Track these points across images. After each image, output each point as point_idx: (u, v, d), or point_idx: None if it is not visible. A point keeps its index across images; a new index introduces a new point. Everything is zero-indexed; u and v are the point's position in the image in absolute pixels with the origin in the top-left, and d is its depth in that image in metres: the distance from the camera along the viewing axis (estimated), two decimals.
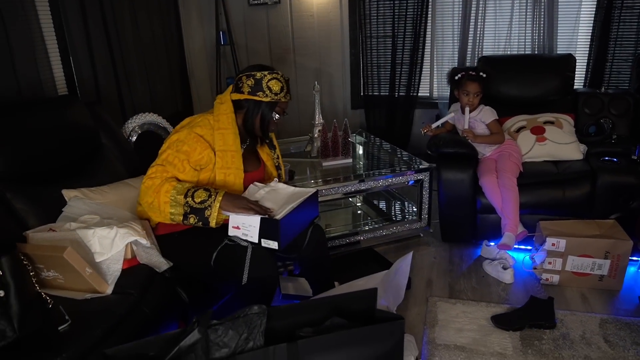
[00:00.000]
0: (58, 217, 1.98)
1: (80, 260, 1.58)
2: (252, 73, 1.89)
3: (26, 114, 2.14)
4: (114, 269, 1.70)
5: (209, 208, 1.73)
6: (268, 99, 1.90)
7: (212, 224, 1.74)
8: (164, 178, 1.78)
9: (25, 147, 2.05)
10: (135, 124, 2.89)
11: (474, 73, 2.77)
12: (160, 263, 1.83)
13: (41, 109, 2.24)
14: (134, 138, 2.87)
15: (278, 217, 1.71)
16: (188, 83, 4.30)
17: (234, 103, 1.95)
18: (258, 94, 1.89)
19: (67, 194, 2.06)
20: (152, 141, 2.95)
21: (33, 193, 2.01)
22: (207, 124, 1.89)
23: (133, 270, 1.78)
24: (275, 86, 1.89)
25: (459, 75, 2.80)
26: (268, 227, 1.69)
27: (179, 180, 1.81)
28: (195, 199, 1.73)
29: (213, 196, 1.74)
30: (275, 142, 2.25)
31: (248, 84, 1.90)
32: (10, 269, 1.40)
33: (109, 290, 1.66)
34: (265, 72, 1.88)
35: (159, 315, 1.77)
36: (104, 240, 1.69)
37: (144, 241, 1.79)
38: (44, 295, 1.57)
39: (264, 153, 2.16)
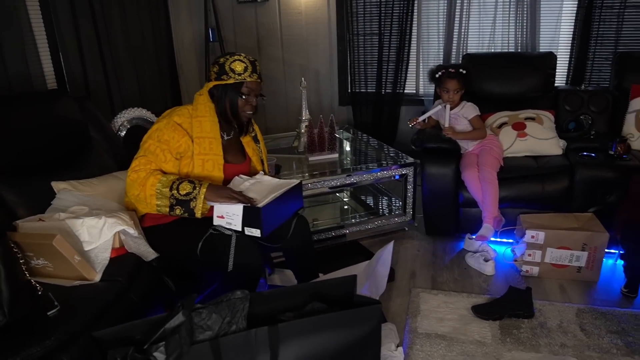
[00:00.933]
0: (47, 209, 2.01)
1: (69, 247, 1.62)
2: (217, 60, 1.93)
3: (16, 108, 2.17)
4: (102, 258, 1.74)
5: (194, 200, 1.78)
6: (232, 80, 1.91)
7: (198, 214, 1.79)
8: (149, 170, 1.82)
9: (15, 140, 2.08)
10: (124, 119, 2.92)
11: (453, 70, 2.83)
12: (148, 252, 1.87)
13: (31, 103, 2.27)
14: (123, 133, 2.90)
15: (260, 205, 1.76)
16: (177, 79, 4.32)
17: (209, 93, 1.98)
18: (222, 77, 1.91)
19: (56, 186, 2.09)
20: (140, 136, 2.97)
21: (23, 185, 2.04)
22: (186, 113, 1.94)
23: (121, 259, 1.82)
24: (238, 66, 1.90)
25: (439, 73, 2.86)
26: (251, 215, 1.75)
27: (163, 172, 1.86)
28: (180, 191, 1.78)
29: (197, 188, 1.78)
30: (259, 136, 2.27)
31: (214, 71, 1.93)
32: (1, 255, 1.43)
33: (97, 277, 1.70)
34: (228, 56, 1.91)
35: (146, 302, 1.81)
36: (93, 230, 1.73)
37: (132, 230, 1.83)
38: (33, 283, 1.61)
39: (250, 148, 2.18)
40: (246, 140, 2.17)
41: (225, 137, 2.05)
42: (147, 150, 1.87)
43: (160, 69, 3.97)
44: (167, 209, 1.80)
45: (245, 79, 1.91)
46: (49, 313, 1.51)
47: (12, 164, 2.06)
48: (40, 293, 1.60)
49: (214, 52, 4.34)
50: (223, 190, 1.82)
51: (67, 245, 1.61)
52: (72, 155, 2.33)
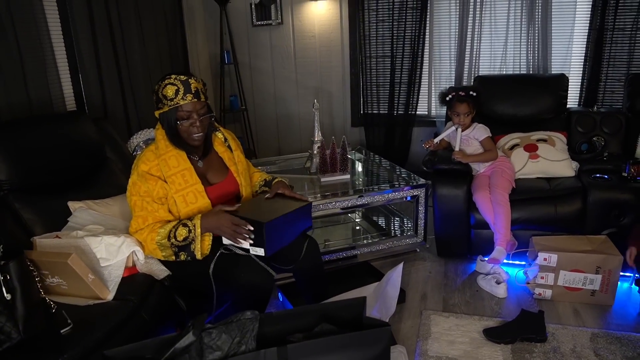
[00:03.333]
0: (63, 227, 2.06)
1: (84, 266, 1.65)
2: (154, 88, 1.83)
3: (36, 129, 2.24)
4: (115, 275, 1.77)
5: (193, 242, 1.78)
6: (166, 108, 1.80)
7: (198, 256, 1.80)
8: (148, 227, 1.83)
9: (33, 160, 2.14)
10: (139, 139, 2.98)
11: (463, 93, 2.85)
12: (160, 271, 1.90)
13: (50, 124, 2.34)
14: (139, 152, 2.96)
15: (264, 221, 1.73)
16: None
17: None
18: (159, 105, 1.82)
19: (72, 205, 2.14)
20: None
21: (40, 204, 2.10)
22: (151, 157, 1.87)
23: (133, 278, 1.85)
24: (169, 91, 1.78)
25: (449, 96, 2.89)
26: (255, 234, 1.73)
27: (164, 219, 1.85)
28: (177, 238, 1.78)
29: (192, 229, 1.77)
30: (233, 145, 2.11)
31: (154, 101, 1.84)
32: (17, 273, 1.47)
33: (110, 296, 1.73)
34: (159, 83, 1.81)
35: (158, 321, 1.83)
36: (111, 247, 1.77)
37: (141, 256, 1.87)
38: (48, 301, 1.64)
39: (226, 158, 2.06)
40: (221, 151, 2.06)
41: (199, 160, 1.98)
42: (135, 208, 1.86)
43: None
44: (174, 257, 1.82)
45: (178, 103, 1.79)
46: (62, 331, 1.54)
47: (30, 182, 2.12)
48: (54, 311, 1.63)
49: (229, 74, 4.44)
50: (215, 219, 1.78)
51: (82, 264, 1.65)
52: (88, 174, 2.39)
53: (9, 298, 1.44)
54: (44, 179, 2.18)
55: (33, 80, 2.64)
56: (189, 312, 1.96)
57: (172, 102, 1.78)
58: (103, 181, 2.41)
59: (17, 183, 2.07)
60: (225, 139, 2.11)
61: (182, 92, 1.78)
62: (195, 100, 1.81)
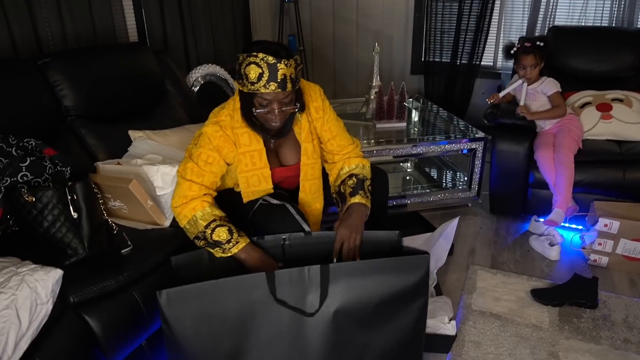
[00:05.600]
0: (124, 155, 2.14)
1: (143, 192, 1.72)
2: (238, 55, 1.55)
3: (100, 58, 2.29)
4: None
5: (221, 251, 1.57)
6: (245, 89, 1.55)
7: (217, 255, 1.59)
8: (199, 194, 1.62)
9: (97, 89, 2.21)
10: (198, 75, 3.01)
11: (529, 44, 2.65)
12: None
13: (114, 54, 2.39)
14: (197, 88, 2.99)
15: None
16: (251, 38, 4.37)
17: None
18: (239, 81, 1.57)
19: (133, 134, 2.21)
20: (213, 91, 3.07)
21: (103, 131, 2.18)
22: (228, 121, 1.67)
23: None
24: (252, 73, 1.50)
25: (514, 49, 2.70)
26: None
27: (209, 201, 1.64)
28: (213, 235, 1.56)
29: (232, 244, 1.56)
30: (314, 115, 1.76)
31: (236, 68, 1.57)
32: (83, 194, 1.55)
33: (166, 223, 1.80)
34: (244, 55, 1.51)
35: None
36: (166, 177, 1.83)
37: None
38: (110, 222, 1.74)
39: (304, 131, 1.75)
40: (302, 127, 1.76)
41: (273, 142, 1.76)
42: (199, 158, 1.65)
43: (235, 26, 4.02)
44: (192, 237, 1.61)
45: (258, 90, 1.52)
46: (122, 251, 1.63)
47: (94, 110, 2.20)
48: (115, 232, 1.73)
49: (288, 12, 4.34)
50: (258, 267, 1.55)
51: (142, 190, 1.72)
52: (148, 106, 2.45)
53: (75, 217, 1.53)
54: (107, 108, 2.26)
55: (98, 11, 2.69)
56: None
57: (253, 87, 1.52)
58: (162, 113, 2.47)
59: (83, 110, 2.16)
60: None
61: (266, 78, 1.50)
62: (279, 90, 1.53)
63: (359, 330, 1.47)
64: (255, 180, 1.71)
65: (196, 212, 1.58)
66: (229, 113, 1.66)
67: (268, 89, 1.51)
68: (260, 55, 1.48)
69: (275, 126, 1.62)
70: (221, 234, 1.55)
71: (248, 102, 1.58)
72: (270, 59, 1.48)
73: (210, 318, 1.37)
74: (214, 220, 1.58)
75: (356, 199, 1.69)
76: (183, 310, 1.35)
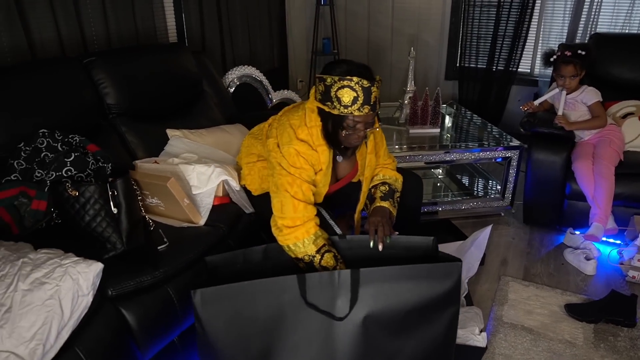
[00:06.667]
0: (160, 153, 2.19)
1: (180, 190, 1.75)
2: (323, 77, 1.55)
3: (141, 58, 2.35)
4: (206, 203, 1.87)
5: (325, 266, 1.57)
6: (336, 112, 1.55)
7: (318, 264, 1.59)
8: (311, 215, 1.61)
9: (139, 88, 2.27)
10: (234, 76, 3.05)
11: (569, 53, 2.57)
12: (245, 207, 1.98)
13: (154, 54, 2.45)
14: (232, 89, 3.04)
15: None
16: (286, 40, 4.41)
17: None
18: (327, 103, 1.56)
19: (170, 132, 2.26)
20: (248, 93, 3.12)
21: (143, 129, 2.24)
22: (310, 140, 1.66)
23: (224, 208, 1.94)
24: (346, 97, 1.51)
25: (554, 57, 2.63)
26: None
27: (318, 223, 1.64)
28: (322, 261, 1.56)
29: (338, 268, 1.58)
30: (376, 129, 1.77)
31: (319, 90, 1.59)
32: (123, 190, 1.60)
33: (202, 221, 1.83)
34: (336, 78, 1.51)
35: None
36: (202, 176, 1.86)
37: (234, 183, 1.94)
38: (147, 219, 1.78)
39: (370, 143, 1.80)
40: (370, 139, 1.80)
41: (342, 158, 1.80)
42: (301, 176, 1.64)
43: (270, 28, 4.07)
44: (294, 255, 1.59)
45: (352, 113, 1.54)
46: (159, 247, 1.67)
47: (134, 108, 2.25)
48: (152, 229, 1.77)
49: (323, 15, 4.36)
50: None
51: (179, 188, 1.75)
52: (186, 105, 2.50)
53: (115, 212, 1.58)
54: (147, 106, 2.32)
55: (140, 11, 2.76)
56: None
57: (346, 110, 1.53)
58: (199, 113, 2.51)
59: (124, 108, 2.21)
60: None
61: (361, 102, 1.52)
62: (371, 112, 1.57)
63: (389, 337, 1.46)
64: (310, 193, 1.70)
65: (309, 235, 1.57)
66: (307, 132, 1.65)
67: (362, 112, 1.54)
68: (355, 79, 1.50)
69: (356, 144, 1.67)
70: (329, 260, 1.57)
71: (336, 124, 1.59)
72: (365, 83, 1.51)
73: (242, 319, 1.39)
74: (324, 245, 1.58)
75: (385, 204, 1.75)
76: (216, 310, 1.37)
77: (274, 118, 1.86)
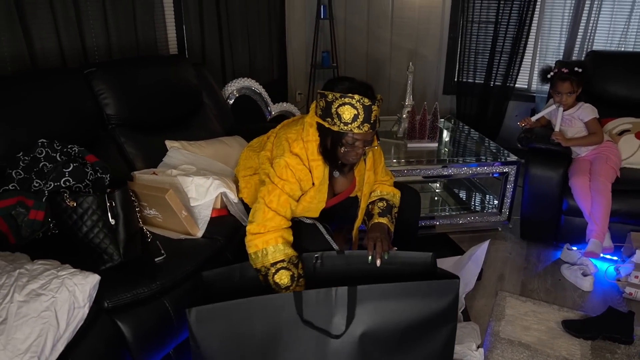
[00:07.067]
0: (159, 164, 2.19)
1: (179, 202, 1.75)
2: (325, 93, 1.57)
3: (142, 69, 2.36)
4: (204, 215, 1.87)
5: (275, 289, 1.56)
6: (336, 128, 1.57)
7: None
8: (279, 227, 1.60)
9: (139, 98, 2.28)
10: (234, 88, 3.07)
11: (566, 70, 2.59)
12: (243, 219, 1.97)
13: (155, 65, 2.46)
14: (232, 101, 3.05)
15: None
16: (285, 53, 4.44)
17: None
18: (327, 119, 1.58)
19: (169, 144, 2.27)
20: (247, 105, 3.13)
21: (141, 140, 2.24)
22: (303, 152, 1.67)
23: (221, 220, 1.94)
24: (346, 114, 1.53)
25: (551, 73, 2.65)
26: None
27: (285, 237, 1.61)
28: (275, 277, 1.55)
29: (291, 289, 1.56)
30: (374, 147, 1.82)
31: (320, 105, 1.60)
32: (121, 201, 1.59)
33: (199, 233, 1.83)
34: (338, 94, 1.53)
35: (239, 262, 1.91)
36: (200, 188, 1.86)
37: (232, 196, 1.94)
38: (145, 230, 1.77)
39: (369, 160, 1.82)
40: (369, 155, 1.82)
41: (339, 174, 1.81)
42: (284, 189, 1.63)
43: (270, 41, 4.10)
44: (254, 265, 1.60)
45: (351, 130, 1.56)
46: (156, 259, 1.66)
47: (133, 119, 2.26)
48: (149, 240, 1.76)
49: (323, 29, 4.40)
50: None
51: (177, 200, 1.75)
52: (185, 117, 2.51)
53: (113, 223, 1.57)
54: (146, 117, 2.32)
55: (142, 23, 2.78)
56: None
57: (346, 127, 1.55)
58: (198, 124, 2.52)
59: (123, 119, 2.22)
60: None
61: (361, 120, 1.54)
62: (371, 130, 1.59)
63: (385, 355, 1.45)
64: (306, 208, 1.73)
65: (269, 245, 1.56)
66: (303, 146, 1.66)
67: (362, 129, 1.56)
68: (357, 97, 1.52)
69: (354, 162, 1.68)
70: (283, 277, 1.55)
71: (336, 140, 1.61)
72: (366, 101, 1.53)
73: (238, 337, 1.38)
74: (282, 260, 1.56)
75: (383, 220, 1.78)
76: (211, 328, 1.36)
77: (272, 131, 1.88)
